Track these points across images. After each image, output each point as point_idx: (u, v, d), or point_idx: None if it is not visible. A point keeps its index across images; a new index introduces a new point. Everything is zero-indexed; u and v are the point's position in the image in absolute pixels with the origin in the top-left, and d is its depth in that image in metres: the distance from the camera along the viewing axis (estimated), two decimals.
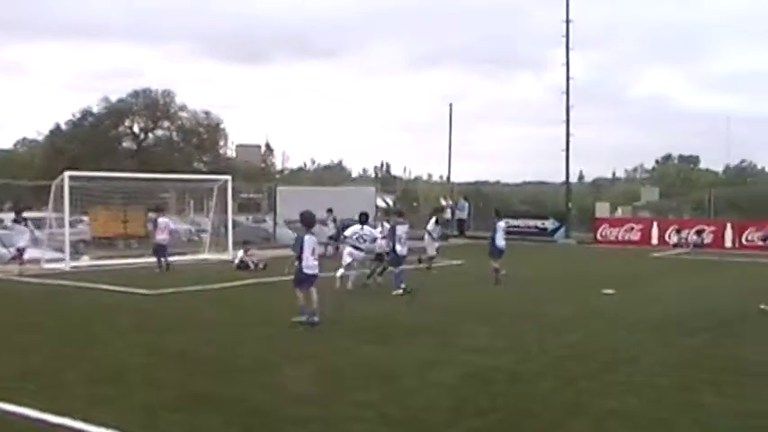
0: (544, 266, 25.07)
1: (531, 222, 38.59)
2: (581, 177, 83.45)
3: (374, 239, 17.73)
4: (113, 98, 57.91)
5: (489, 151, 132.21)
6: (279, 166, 78.12)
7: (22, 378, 9.14)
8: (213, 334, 12.25)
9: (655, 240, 34.27)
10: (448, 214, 37.12)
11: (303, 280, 13.05)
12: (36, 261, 22.80)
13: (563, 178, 41.59)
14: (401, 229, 17.42)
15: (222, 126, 61.48)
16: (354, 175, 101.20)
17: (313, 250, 13.14)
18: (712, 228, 33.29)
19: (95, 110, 57.74)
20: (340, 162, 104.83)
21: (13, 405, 7.85)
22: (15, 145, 74.59)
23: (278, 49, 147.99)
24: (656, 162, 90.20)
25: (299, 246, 13.09)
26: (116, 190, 28.15)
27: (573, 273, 22.65)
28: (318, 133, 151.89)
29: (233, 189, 28.81)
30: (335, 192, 42.88)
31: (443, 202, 38.55)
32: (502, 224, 20.09)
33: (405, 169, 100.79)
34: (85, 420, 7.30)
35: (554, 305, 15.53)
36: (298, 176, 79.84)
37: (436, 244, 21.81)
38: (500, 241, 19.67)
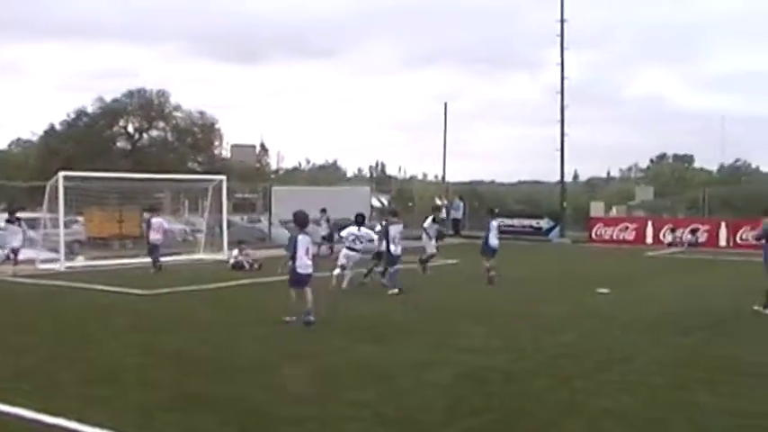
0: (539, 266, 25.11)
1: (526, 222, 38.67)
2: (576, 177, 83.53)
3: (371, 240, 17.74)
4: (108, 98, 57.91)
5: (484, 151, 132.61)
6: (274, 166, 78.22)
7: (16, 378, 9.13)
8: (208, 334, 12.25)
9: (649, 239, 34.38)
10: (443, 214, 37.14)
11: (297, 280, 13.08)
12: (31, 261, 22.77)
13: (558, 178, 41.65)
14: (394, 229, 17.43)
15: (217, 126, 61.46)
16: (349, 174, 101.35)
17: (307, 250, 13.15)
18: (707, 227, 33.38)
19: (90, 110, 57.73)
20: (335, 162, 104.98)
21: (7, 405, 7.84)
22: (10, 145, 74.69)
23: (273, 48, 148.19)
24: (651, 161, 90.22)
25: (292, 246, 13.12)
26: (111, 190, 28.16)
27: (568, 272, 22.68)
28: (313, 133, 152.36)
29: (228, 189, 28.83)
30: (330, 192, 42.91)
31: (438, 202, 38.54)
32: (495, 223, 20.13)
33: (400, 169, 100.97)
34: (80, 421, 7.29)
35: (549, 304, 15.55)
36: (293, 176, 79.88)
37: (433, 242, 21.81)
38: (493, 240, 19.69)
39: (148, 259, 22.31)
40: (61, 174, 23.59)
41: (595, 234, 36.25)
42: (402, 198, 53.26)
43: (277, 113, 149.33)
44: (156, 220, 22.64)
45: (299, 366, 9.90)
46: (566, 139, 40.47)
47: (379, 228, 18.35)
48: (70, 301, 16.53)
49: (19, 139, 73.82)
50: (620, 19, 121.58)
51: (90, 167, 34.99)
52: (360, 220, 17.94)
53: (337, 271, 17.54)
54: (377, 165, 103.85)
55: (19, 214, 23.12)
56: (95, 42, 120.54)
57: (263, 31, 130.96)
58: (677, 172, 76.21)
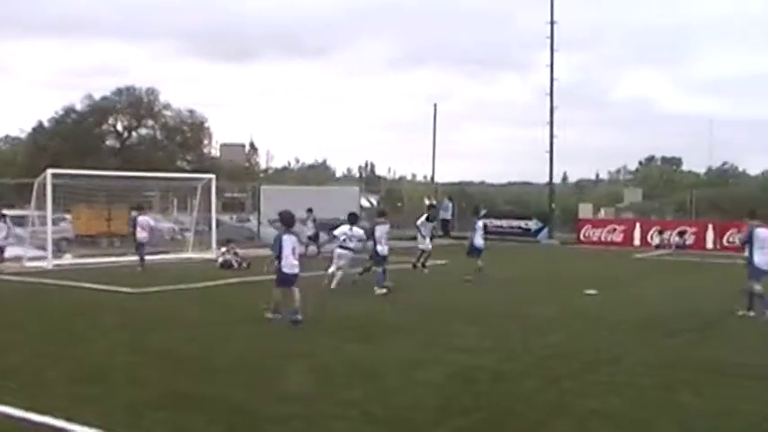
0: (527, 267, 25.18)
1: (515, 223, 38.82)
2: (565, 178, 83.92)
3: (362, 239, 17.80)
4: (97, 96, 57.71)
5: (474, 151, 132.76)
6: (263, 166, 78.20)
7: (2, 377, 9.08)
8: (197, 333, 12.24)
9: (637, 241, 34.53)
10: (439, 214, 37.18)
11: (283, 279, 13.11)
12: (17, 259, 22.69)
13: (547, 179, 41.76)
14: (380, 230, 17.51)
15: (206, 125, 61.39)
16: (339, 174, 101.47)
17: (293, 250, 13.16)
18: (694, 229, 33.54)
19: (79, 107, 57.49)
20: (324, 162, 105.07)
21: None
22: None
23: (263, 47, 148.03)
24: (640, 163, 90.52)
25: (278, 245, 13.14)
26: (99, 188, 28.08)
27: (556, 273, 22.75)
28: (303, 132, 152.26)
29: (217, 188, 28.81)
30: (319, 191, 42.89)
31: (427, 202, 38.60)
32: (480, 223, 20.45)
33: (389, 169, 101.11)
34: (68, 419, 7.26)
35: (537, 305, 15.60)
36: (282, 176, 79.88)
37: (428, 240, 21.95)
38: (478, 240, 19.96)
39: (136, 257, 22.26)
40: (49, 171, 23.50)
41: (584, 235, 36.38)
42: (391, 198, 53.33)
43: (267, 112, 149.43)
44: (142, 219, 22.55)
45: (287, 365, 9.91)
46: (555, 140, 40.63)
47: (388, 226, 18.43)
48: (57, 299, 16.47)
49: (7, 137, 73.62)
50: (609, 21, 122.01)
51: (79, 165, 34.87)
52: (352, 220, 18.02)
53: (332, 269, 17.63)
54: (366, 165, 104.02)
55: (5, 211, 23.04)
56: (85, 40, 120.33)
57: (253, 29, 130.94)
58: (665, 174, 76.50)
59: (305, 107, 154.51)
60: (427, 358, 10.36)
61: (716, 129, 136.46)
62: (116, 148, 58.29)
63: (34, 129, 58.97)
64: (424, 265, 21.50)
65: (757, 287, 14.20)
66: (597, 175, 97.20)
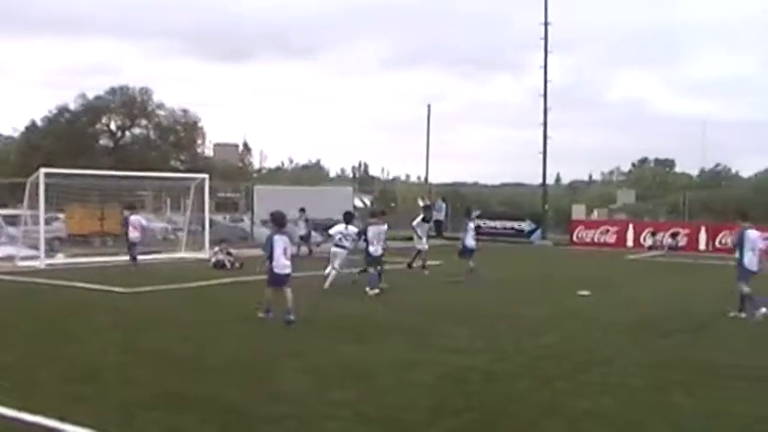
0: (520, 268, 25.22)
1: (508, 224, 38.89)
2: (558, 179, 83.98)
3: (355, 239, 17.88)
4: (90, 95, 57.60)
5: (467, 152, 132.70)
6: (256, 166, 78.15)
7: None
8: (189, 332, 12.22)
9: (630, 243, 34.61)
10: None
11: (275, 280, 13.13)
12: (10, 258, 22.62)
13: (540, 180, 41.88)
14: (372, 230, 17.52)
15: (200, 124, 61.31)
16: (332, 174, 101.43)
17: (285, 250, 13.17)
18: (687, 231, 33.64)
19: (72, 106, 57.36)
20: (318, 162, 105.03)
21: None
22: None
23: (256, 47, 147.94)
24: (633, 165, 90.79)
25: (269, 246, 13.15)
26: (92, 187, 28.02)
27: (549, 274, 22.78)
28: (296, 133, 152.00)
29: (210, 188, 28.76)
30: (313, 191, 42.89)
31: (421, 203, 38.61)
32: (472, 224, 20.58)
33: (383, 170, 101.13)
34: (61, 419, 7.25)
35: (530, 306, 15.63)
36: (275, 176, 79.83)
37: (424, 240, 22.00)
38: (470, 241, 20.08)
39: (129, 257, 22.22)
40: (42, 170, 23.42)
41: (577, 237, 36.45)
42: (385, 199, 53.34)
43: (260, 112, 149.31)
44: (134, 218, 22.49)
45: (280, 365, 9.90)
46: (548, 141, 40.75)
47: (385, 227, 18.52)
48: (50, 298, 16.44)
49: (0, 135, 73.23)
50: (602, 23, 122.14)
51: (72, 165, 34.79)
52: (348, 218, 18.13)
53: (329, 269, 17.72)
54: (360, 165, 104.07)
55: None
56: (79, 39, 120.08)
57: (247, 29, 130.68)
58: (658, 176, 76.73)
59: (299, 107, 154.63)
60: (420, 359, 10.37)
61: (709, 130, 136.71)
62: (109, 148, 58.18)
63: (27, 128, 58.80)
64: (424, 267, 21.51)
65: (746, 288, 14.27)
66: (590, 177, 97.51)
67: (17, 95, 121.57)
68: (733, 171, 75.76)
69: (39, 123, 58.07)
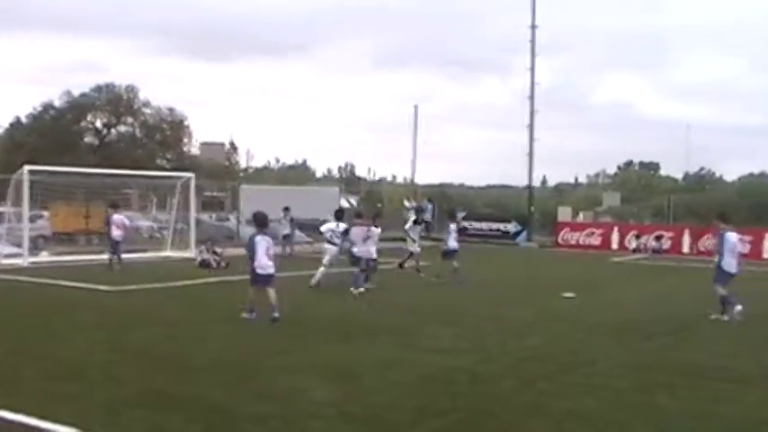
0: (506, 269, 25.30)
1: (494, 225, 39.01)
2: (544, 182, 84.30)
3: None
4: (76, 92, 57.33)
5: (454, 153, 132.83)
6: (243, 165, 77.90)
7: None
8: (175, 331, 12.20)
9: (615, 245, 34.75)
10: (411, 215, 37.14)
11: (257, 280, 13.14)
12: None
13: (526, 182, 41.94)
14: (356, 231, 17.63)
15: (186, 123, 61.07)
16: (319, 175, 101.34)
17: (267, 250, 13.17)
18: (671, 234, 33.82)
19: (57, 103, 57.06)
20: (304, 162, 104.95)
21: None
22: None
23: (243, 46, 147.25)
24: (618, 168, 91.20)
25: (251, 246, 13.16)
26: (77, 185, 27.90)
27: (534, 276, 22.86)
28: (283, 132, 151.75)
29: (196, 187, 28.70)
30: (299, 191, 42.87)
31: (407, 204, 38.62)
32: (453, 226, 20.72)
33: (369, 170, 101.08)
34: (44, 417, 7.21)
35: (515, 308, 15.68)
36: (262, 175, 79.67)
37: (417, 243, 22.06)
38: (452, 243, 20.18)
39: (113, 256, 22.15)
40: (26, 167, 23.29)
41: (562, 239, 36.58)
42: (371, 199, 53.26)
43: (247, 111, 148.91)
44: (116, 217, 22.42)
45: (265, 364, 9.91)
46: (534, 143, 40.82)
47: (375, 229, 18.62)
48: (34, 296, 16.37)
49: None
50: (589, 25, 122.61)
51: (56, 162, 34.54)
52: (339, 216, 18.52)
53: (322, 269, 17.86)
54: (346, 166, 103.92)
55: None
56: (64, 36, 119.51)
57: (234, 28, 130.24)
58: (643, 179, 77.00)
59: (286, 107, 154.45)
60: (405, 359, 10.38)
61: (693, 134, 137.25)
62: (95, 146, 57.88)
63: (11, 124, 58.48)
64: (418, 270, 21.50)
65: (722, 290, 14.41)
66: (576, 179, 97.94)
67: (1, 92, 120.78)
68: (717, 175, 76.24)
69: (23, 120, 57.78)
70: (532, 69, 40.46)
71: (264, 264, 13.13)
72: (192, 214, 27.59)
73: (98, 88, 57.62)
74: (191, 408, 7.80)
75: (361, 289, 16.85)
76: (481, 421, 7.71)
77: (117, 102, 57.76)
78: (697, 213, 39.88)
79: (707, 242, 30.47)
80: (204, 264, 22.43)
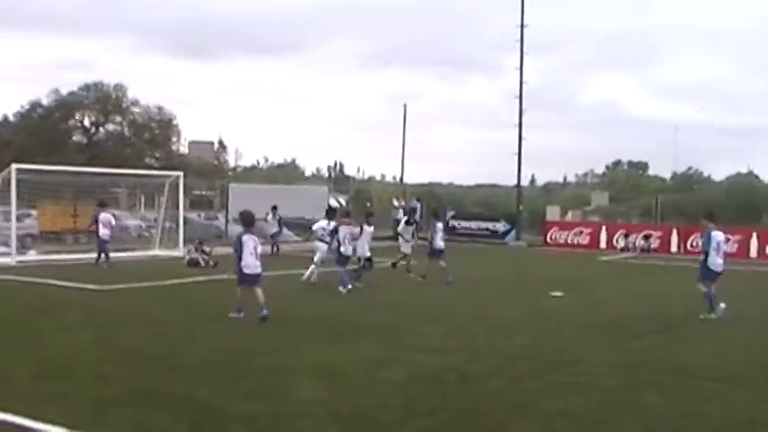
0: (495, 268, 25.33)
1: (483, 224, 39.05)
2: (533, 181, 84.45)
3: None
4: (64, 91, 57.15)
5: (443, 152, 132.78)
6: (232, 164, 77.84)
7: None
8: (163, 330, 12.17)
9: (603, 244, 34.85)
10: (400, 215, 37.18)
11: (243, 279, 13.12)
12: None
13: (515, 181, 42.05)
14: (344, 230, 17.64)
15: (175, 122, 61.00)
16: (308, 174, 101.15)
17: (254, 249, 13.15)
18: (659, 233, 33.94)
19: (45, 102, 56.94)
20: (293, 161, 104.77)
21: None
22: None
23: (232, 44, 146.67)
24: (607, 167, 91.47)
25: (238, 245, 13.15)
26: (66, 184, 27.78)
27: (523, 275, 22.91)
28: (272, 131, 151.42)
29: (185, 186, 28.62)
30: (288, 190, 42.80)
31: (395, 203, 38.67)
32: (440, 225, 20.79)
33: (358, 169, 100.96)
34: (31, 417, 7.17)
35: (504, 307, 15.71)
36: (251, 174, 79.54)
37: (410, 243, 22.07)
38: (438, 242, 20.22)
39: (101, 255, 22.09)
40: (14, 166, 23.15)
41: (551, 238, 36.66)
42: (360, 198, 53.25)
43: (236, 110, 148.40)
44: (103, 216, 22.36)
45: (253, 364, 9.88)
46: (523, 143, 40.91)
47: (357, 230, 18.73)
48: (21, 295, 16.29)
49: None
50: (578, 25, 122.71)
51: (44, 161, 34.47)
52: (330, 215, 18.71)
53: (313, 267, 17.96)
54: (335, 165, 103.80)
55: None
56: (52, 34, 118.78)
57: (222, 26, 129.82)
58: (632, 179, 77.27)
59: (274, 105, 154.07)
60: (394, 358, 10.38)
61: (681, 134, 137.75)
62: (83, 144, 57.74)
63: None
64: (408, 270, 21.51)
65: (703, 288, 14.51)
66: (565, 178, 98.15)
67: None
68: (705, 174, 76.56)
69: (11, 118, 57.58)
70: (521, 69, 40.61)
71: (251, 263, 13.11)
72: (181, 213, 27.51)
73: (86, 87, 57.53)
74: (178, 407, 7.78)
75: (349, 286, 16.90)
76: (470, 420, 7.71)
77: (105, 100, 57.62)
78: (685, 213, 40.11)
79: (695, 241, 30.61)
80: (193, 263, 22.37)
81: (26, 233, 27.07)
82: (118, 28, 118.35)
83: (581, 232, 36.17)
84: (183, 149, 66.05)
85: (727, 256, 15.19)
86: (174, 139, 62.61)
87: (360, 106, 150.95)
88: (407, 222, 22.70)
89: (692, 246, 31.48)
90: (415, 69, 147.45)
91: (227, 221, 34.22)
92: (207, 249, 23.34)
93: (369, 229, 18.90)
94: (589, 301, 17.00)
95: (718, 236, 14.77)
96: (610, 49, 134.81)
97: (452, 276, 19.34)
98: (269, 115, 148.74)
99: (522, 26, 40.25)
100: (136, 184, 34.70)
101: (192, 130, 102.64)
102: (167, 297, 16.35)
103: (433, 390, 8.72)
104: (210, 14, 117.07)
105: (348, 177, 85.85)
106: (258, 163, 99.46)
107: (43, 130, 54.13)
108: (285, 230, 29.05)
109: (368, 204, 42.31)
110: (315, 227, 18.56)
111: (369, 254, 18.67)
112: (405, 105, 47.25)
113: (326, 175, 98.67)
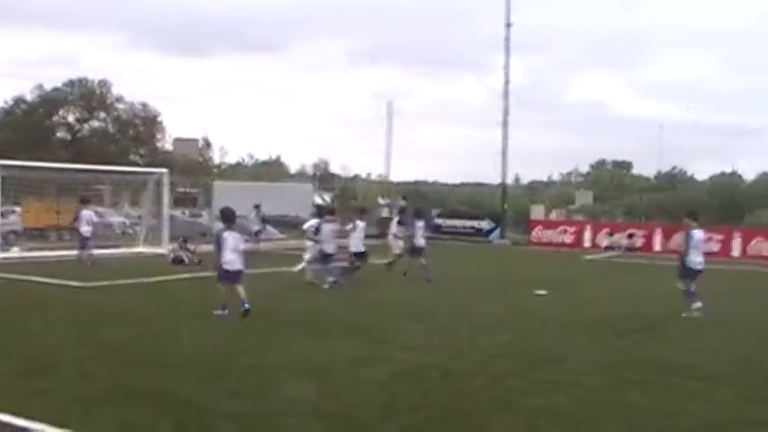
0: (479, 266, 25.40)
1: (468, 223, 39.15)
2: (517, 179, 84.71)
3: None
4: (48, 87, 56.83)
5: (429, 151, 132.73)
6: (217, 161, 77.53)
7: None
8: (147, 327, 12.15)
9: (587, 243, 34.99)
10: (385, 213, 37.25)
11: (223, 276, 13.10)
12: None
13: (500, 180, 42.15)
14: (327, 228, 17.65)
15: (160, 118, 60.79)
16: (293, 171, 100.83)
17: (234, 246, 13.13)
18: (643, 232, 34.12)
19: (29, 98, 56.60)
20: (278, 158, 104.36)
21: None
22: None
23: (217, 41, 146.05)
24: (591, 167, 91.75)
25: (218, 242, 13.14)
26: (50, 181, 27.65)
27: (507, 273, 22.97)
28: (257, 128, 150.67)
29: (170, 183, 28.54)
30: (273, 188, 42.75)
31: (381, 201, 38.72)
32: (420, 223, 20.90)
33: (344, 167, 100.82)
34: (15, 414, 7.16)
35: (488, 305, 15.75)
36: (236, 171, 79.23)
37: (401, 243, 22.13)
38: (419, 240, 20.32)
39: (84, 251, 22.02)
40: None
41: (535, 236, 36.77)
42: (345, 197, 53.29)
43: (221, 107, 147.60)
44: (85, 212, 22.30)
45: (238, 361, 9.88)
46: (508, 142, 41.03)
47: (352, 225, 18.81)
48: (4, 292, 16.20)
49: None
50: (563, 24, 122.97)
51: (28, 157, 34.33)
52: (319, 213, 19.05)
53: (303, 264, 18.11)
54: (321, 162, 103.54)
55: None
56: (36, 29, 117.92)
57: (208, 23, 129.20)
58: (616, 178, 77.63)
59: (260, 103, 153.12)
60: (377, 356, 10.41)
61: (666, 133, 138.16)
62: (67, 141, 57.48)
63: None
64: (389, 265, 21.54)
65: (682, 286, 14.73)
66: (549, 177, 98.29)
67: None
68: (688, 174, 77.02)
69: None
70: (506, 67, 40.73)
71: (230, 259, 13.10)
72: (166, 210, 27.44)
73: (70, 83, 57.26)
74: (163, 404, 7.77)
75: (331, 279, 17.02)
76: (452, 418, 7.74)
77: (90, 96, 57.37)
78: (668, 212, 40.38)
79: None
80: (177, 260, 22.33)
81: (10, 230, 26.95)
82: (103, 24, 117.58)
83: (565, 231, 36.32)
84: (168, 146, 65.82)
85: (704, 254, 15.34)
86: (159, 136, 62.45)
87: (347, 104, 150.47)
88: (400, 222, 22.76)
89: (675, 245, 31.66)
90: (403, 67, 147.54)
91: (211, 219, 34.16)
92: (191, 247, 23.31)
93: (361, 225, 18.97)
94: (573, 300, 17.07)
95: (697, 234, 14.93)
96: (596, 48, 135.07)
97: (433, 274, 19.39)
98: (255, 112, 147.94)
99: (507, 24, 40.38)
100: (120, 181, 34.59)
101: (176, 127, 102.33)
102: (151, 294, 16.31)
103: (416, 387, 8.75)
104: (197, 11, 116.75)
105: (333, 175, 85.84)
106: (243, 160, 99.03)
107: (27, 126, 53.84)
108: (270, 228, 29.06)
109: (353, 202, 42.35)
110: (305, 226, 18.69)
111: (363, 249, 18.69)
112: (389, 102, 47.69)
113: (312, 172, 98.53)
